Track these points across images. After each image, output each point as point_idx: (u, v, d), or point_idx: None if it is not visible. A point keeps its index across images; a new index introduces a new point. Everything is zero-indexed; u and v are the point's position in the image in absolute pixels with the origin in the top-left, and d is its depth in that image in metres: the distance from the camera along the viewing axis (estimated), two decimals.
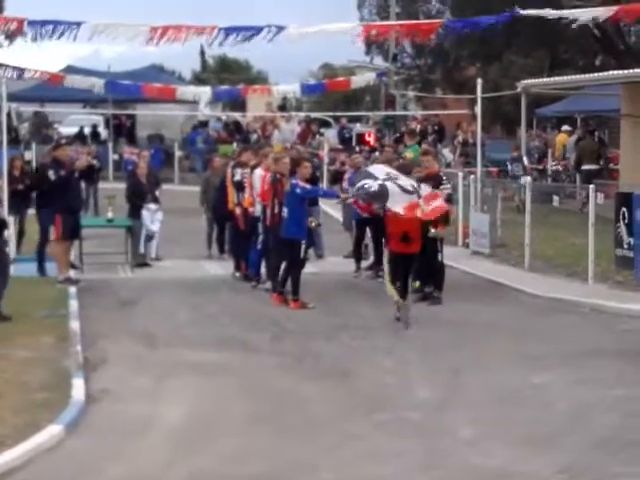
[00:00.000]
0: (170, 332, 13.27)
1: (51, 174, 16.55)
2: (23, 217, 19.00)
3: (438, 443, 8.72)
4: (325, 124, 42.30)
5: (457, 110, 38.58)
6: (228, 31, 17.26)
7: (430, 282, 15.45)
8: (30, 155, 30.91)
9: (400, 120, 39.99)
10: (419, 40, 23.28)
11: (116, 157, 37.32)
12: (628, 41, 38.70)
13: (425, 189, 14.37)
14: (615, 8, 18.16)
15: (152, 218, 19.35)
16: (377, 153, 28.79)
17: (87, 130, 40.23)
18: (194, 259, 19.54)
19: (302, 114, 44.45)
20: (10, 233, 16.85)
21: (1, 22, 16.47)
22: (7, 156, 18.69)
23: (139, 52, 79.24)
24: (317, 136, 38.06)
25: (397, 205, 13.65)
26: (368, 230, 17.66)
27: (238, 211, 17.04)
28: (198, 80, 57.78)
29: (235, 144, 34.09)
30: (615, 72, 27.54)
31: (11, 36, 16.15)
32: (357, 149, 31.32)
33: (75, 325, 13.12)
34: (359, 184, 14.25)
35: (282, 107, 44.63)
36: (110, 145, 38.27)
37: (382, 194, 13.74)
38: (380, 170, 14.47)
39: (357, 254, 17.95)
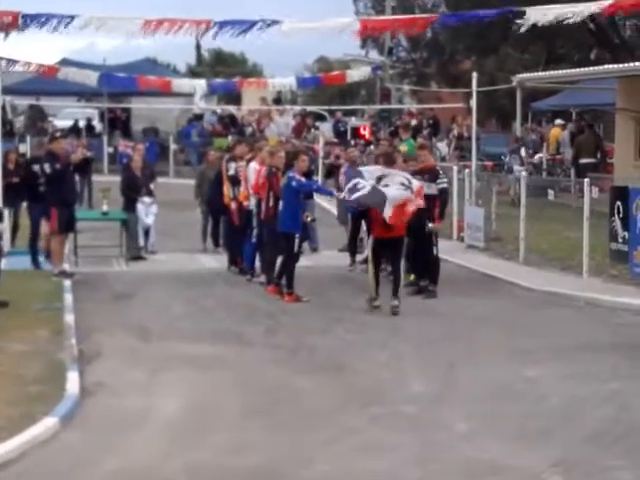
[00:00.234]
0: (165, 325, 13.28)
1: (46, 167, 16.53)
2: (17, 210, 18.98)
3: (433, 437, 8.74)
4: (320, 118, 42.30)
5: (452, 104, 38.63)
6: (222, 25, 17.23)
7: (425, 276, 15.50)
8: (25, 148, 30.89)
9: (395, 114, 40.00)
10: (415, 33, 23.25)
11: (111, 150, 37.30)
12: (623, 35, 38.68)
13: (416, 183, 14.47)
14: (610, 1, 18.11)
15: (147, 211, 19.34)
16: (372, 147, 28.78)
17: (82, 123, 40.18)
18: (189, 252, 19.55)
19: (297, 107, 44.44)
20: (4, 226, 16.85)
21: None
22: (1, 149, 18.66)
23: (134, 45, 79.26)
24: (312, 130, 38.06)
25: (388, 208, 13.85)
26: (363, 224, 17.65)
27: (233, 206, 17.03)
28: (193, 73, 57.70)
29: (230, 137, 34.07)
30: (610, 66, 27.60)
31: (6, 30, 16.08)
32: (352, 143, 31.33)
33: (70, 318, 13.12)
34: (350, 184, 14.41)
35: (277, 100, 44.61)
36: (105, 138, 38.25)
37: (377, 196, 13.91)
38: (373, 171, 14.58)
39: (352, 248, 17.96)
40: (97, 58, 39.35)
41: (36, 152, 20.91)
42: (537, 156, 30.20)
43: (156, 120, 41.80)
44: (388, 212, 13.87)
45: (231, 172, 17.26)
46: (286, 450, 8.42)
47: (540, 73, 31.97)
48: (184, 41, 71.34)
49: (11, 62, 21.48)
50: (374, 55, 46.95)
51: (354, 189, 14.24)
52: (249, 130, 37.11)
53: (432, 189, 15.32)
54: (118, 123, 42.59)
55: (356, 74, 28.93)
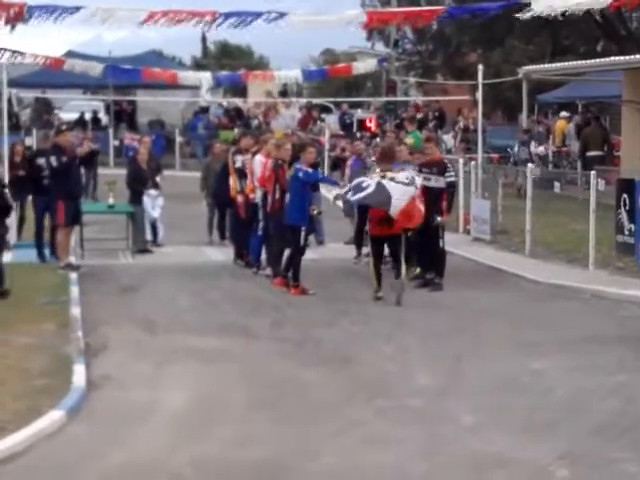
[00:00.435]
0: (171, 318, 13.29)
1: (52, 160, 16.54)
2: (23, 203, 19.00)
3: (439, 429, 8.74)
4: (326, 110, 42.28)
5: (458, 96, 38.56)
6: (228, 16, 17.24)
7: (431, 268, 15.49)
8: (31, 141, 30.90)
9: (401, 106, 39.96)
10: (421, 25, 23.23)
11: (117, 143, 37.32)
12: (630, 27, 38.53)
13: (419, 181, 14.48)
14: None
15: (153, 204, 19.36)
16: (378, 139, 28.79)
17: (88, 116, 40.19)
18: (195, 245, 19.56)
19: (303, 100, 44.42)
20: (11, 219, 16.86)
21: (3, 8, 16.46)
22: (8, 142, 18.67)
23: (140, 37, 79.12)
24: (318, 122, 38.04)
25: (393, 208, 13.84)
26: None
27: (240, 199, 17.02)
28: (198, 66, 57.68)
29: (236, 130, 34.09)
30: (616, 58, 27.53)
31: (13, 22, 16.12)
32: (358, 135, 31.33)
33: (76, 311, 13.13)
34: (355, 182, 14.43)
35: (283, 93, 44.61)
36: (111, 131, 38.26)
37: (382, 196, 13.90)
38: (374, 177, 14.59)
39: (358, 240, 17.93)
40: (103, 50, 39.32)
41: (42, 145, 20.92)
42: (540, 148, 30.12)
43: (162, 113, 41.82)
44: (394, 211, 13.87)
45: (238, 165, 17.25)
46: (292, 443, 8.42)
47: (546, 65, 31.89)
48: (190, 33, 71.21)
49: (17, 54, 21.53)
50: (380, 47, 46.93)
51: (359, 188, 14.22)
52: (255, 123, 37.12)
53: (440, 182, 15.32)
54: (124, 116, 42.62)
55: (362, 66, 28.99)
